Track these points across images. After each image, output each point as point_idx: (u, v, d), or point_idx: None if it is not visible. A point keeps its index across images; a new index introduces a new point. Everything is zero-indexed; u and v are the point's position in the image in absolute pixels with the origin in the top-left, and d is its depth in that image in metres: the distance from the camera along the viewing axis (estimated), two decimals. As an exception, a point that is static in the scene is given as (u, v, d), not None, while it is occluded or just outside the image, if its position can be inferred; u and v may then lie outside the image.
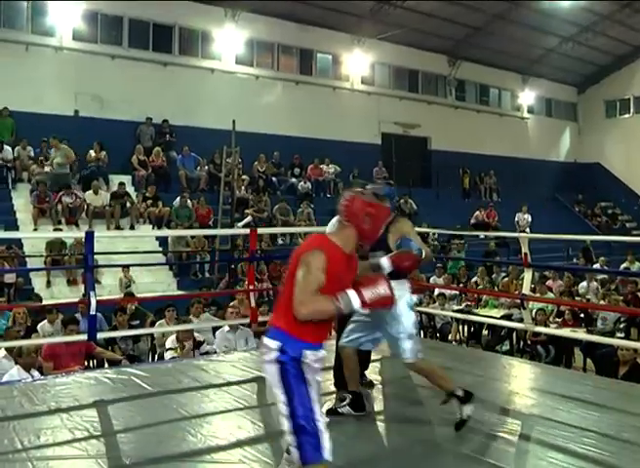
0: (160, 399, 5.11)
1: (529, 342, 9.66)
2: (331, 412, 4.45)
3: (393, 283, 4.18)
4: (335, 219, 3.36)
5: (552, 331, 8.61)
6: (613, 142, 26.71)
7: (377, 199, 3.84)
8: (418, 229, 16.10)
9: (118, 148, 15.19)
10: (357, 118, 20.58)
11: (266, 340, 2.92)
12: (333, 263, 2.87)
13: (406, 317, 4.35)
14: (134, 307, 9.47)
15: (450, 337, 10.84)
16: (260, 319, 7.17)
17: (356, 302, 2.85)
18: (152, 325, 8.78)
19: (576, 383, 5.58)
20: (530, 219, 19.82)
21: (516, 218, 19.93)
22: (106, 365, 7.38)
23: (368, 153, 20.21)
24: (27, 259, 11.88)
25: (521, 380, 5.97)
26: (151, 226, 14.02)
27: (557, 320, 9.89)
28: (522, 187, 23.16)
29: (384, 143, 21.78)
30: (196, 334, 7.92)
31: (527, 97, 26.18)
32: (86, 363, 7.36)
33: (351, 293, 2.86)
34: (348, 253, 3.00)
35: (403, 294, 4.32)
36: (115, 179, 14.69)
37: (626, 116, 27.04)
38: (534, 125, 26.60)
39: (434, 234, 17.17)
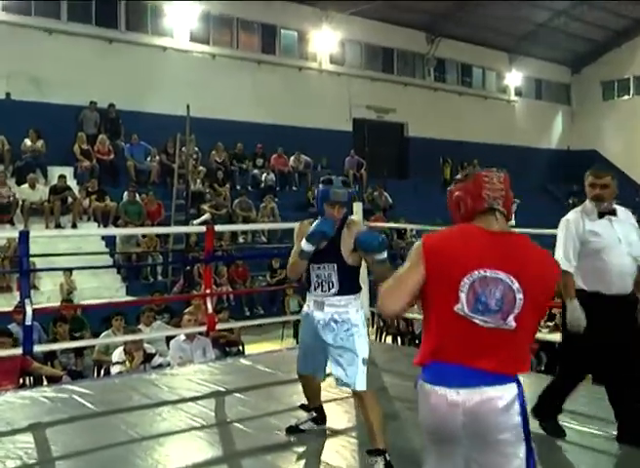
0: (106, 419, 5.05)
1: (518, 349, 9.71)
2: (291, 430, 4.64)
3: (344, 297, 4.18)
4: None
5: (543, 336, 8.66)
6: (610, 127, 27.04)
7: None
8: (393, 225, 15.97)
9: (58, 136, 15.00)
10: (326, 102, 20.60)
11: (496, 388, 2.56)
12: None
13: (364, 336, 4.23)
14: (76, 316, 9.36)
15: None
16: (219, 326, 7.11)
17: None
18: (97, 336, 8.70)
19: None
20: (513, 212, 19.83)
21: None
22: (45, 382, 7.29)
23: (338, 141, 20.26)
24: (-46, 263, 11.71)
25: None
26: (96, 224, 13.91)
27: (548, 324, 9.96)
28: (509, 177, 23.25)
29: (356, 130, 21.85)
30: (147, 346, 7.85)
31: (514, 77, 26.43)
32: (21, 380, 7.25)
33: None
34: None
35: (359, 309, 4.25)
36: (55, 172, 14.53)
37: (625, 98, 27.39)
38: (522, 109, 26.87)
39: (412, 230, 17.23)
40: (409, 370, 6.32)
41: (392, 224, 15.17)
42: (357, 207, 7.52)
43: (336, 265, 4.17)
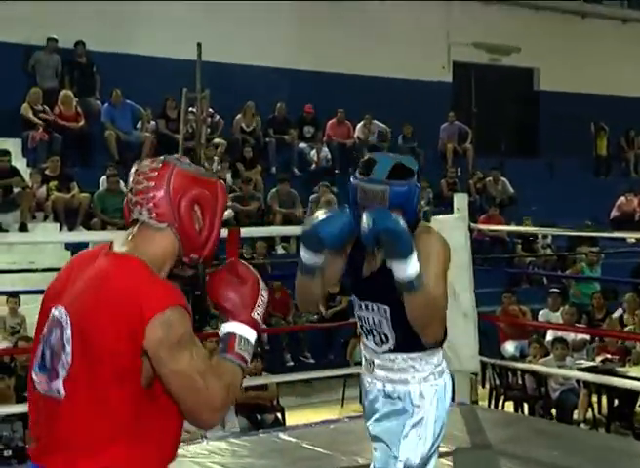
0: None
1: None
2: None
3: (403, 356, 3.78)
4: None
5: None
6: None
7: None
8: (514, 228, 15.84)
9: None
10: (410, 38, 20.53)
11: None
12: None
13: (427, 428, 3.78)
14: (26, 365, 9.46)
15: (576, 415, 10.77)
16: (247, 382, 7.11)
17: (253, 336, 2.66)
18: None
19: None
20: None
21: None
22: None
23: (429, 98, 20.24)
24: None
25: None
26: (58, 225, 14.03)
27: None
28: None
29: (458, 81, 21.86)
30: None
31: None
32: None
33: (241, 329, 2.64)
34: None
35: (431, 378, 3.84)
36: (-7, 145, 14.74)
37: None
38: None
39: (545, 237, 17.07)
40: (540, 454, 6.28)
41: (513, 228, 15.03)
42: (460, 199, 7.49)
43: (389, 309, 3.74)
